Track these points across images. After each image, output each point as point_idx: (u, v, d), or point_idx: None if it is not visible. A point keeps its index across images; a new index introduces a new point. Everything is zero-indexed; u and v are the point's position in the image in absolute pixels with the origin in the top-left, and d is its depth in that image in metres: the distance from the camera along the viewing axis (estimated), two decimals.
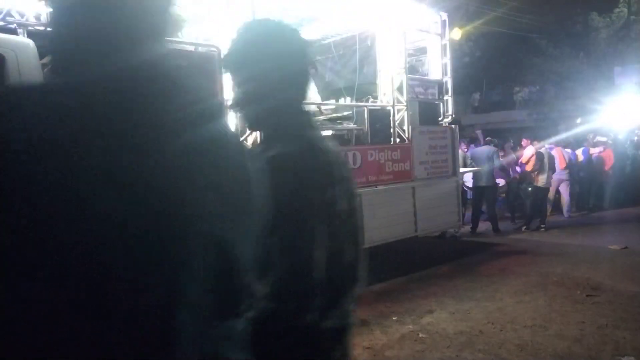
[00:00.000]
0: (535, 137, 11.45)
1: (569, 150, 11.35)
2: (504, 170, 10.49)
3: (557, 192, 10.85)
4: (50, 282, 0.70)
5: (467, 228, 9.40)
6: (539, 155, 9.52)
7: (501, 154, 10.68)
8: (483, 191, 9.44)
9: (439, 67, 7.48)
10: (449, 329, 4.55)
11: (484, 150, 9.64)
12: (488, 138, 10.57)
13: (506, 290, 5.65)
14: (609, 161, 11.82)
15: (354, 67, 7.10)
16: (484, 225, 9.70)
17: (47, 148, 0.70)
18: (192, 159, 0.79)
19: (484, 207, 9.84)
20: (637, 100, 15.95)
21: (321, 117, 6.80)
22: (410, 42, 7.43)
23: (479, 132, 9.98)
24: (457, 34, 7.81)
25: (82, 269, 0.70)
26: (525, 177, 10.21)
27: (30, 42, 4.64)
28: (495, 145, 9.98)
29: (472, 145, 12.50)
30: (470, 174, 9.93)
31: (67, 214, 0.70)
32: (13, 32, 5.12)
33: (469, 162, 10.48)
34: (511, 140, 13.28)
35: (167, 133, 0.78)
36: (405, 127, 6.72)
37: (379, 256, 7.09)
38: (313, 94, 6.71)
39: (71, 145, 0.71)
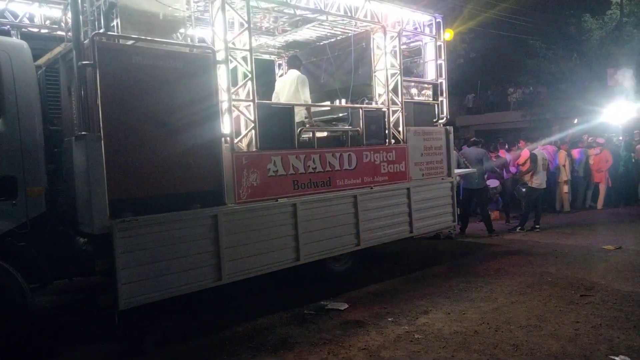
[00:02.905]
0: (530, 138, 11.51)
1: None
2: (495, 172, 10.49)
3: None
4: None
5: (457, 229, 9.43)
6: (532, 157, 9.55)
7: (492, 155, 10.69)
8: (474, 194, 9.43)
9: (433, 69, 7.51)
10: (445, 330, 4.56)
11: (473, 152, 9.54)
12: (473, 139, 10.45)
13: (501, 290, 5.67)
14: (606, 162, 11.87)
15: (349, 68, 7.10)
16: (479, 226, 9.74)
17: None
18: None
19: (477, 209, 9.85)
20: (629, 102, 16.03)
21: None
22: (405, 44, 7.46)
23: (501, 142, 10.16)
24: (448, 35, 7.82)
25: None
26: (520, 178, 10.24)
27: (24, 44, 4.62)
28: (482, 146, 9.97)
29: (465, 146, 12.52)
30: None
31: None
32: (6, 33, 5.10)
33: (462, 160, 10.49)
34: (501, 140, 13.25)
35: None
36: (401, 128, 6.73)
37: (375, 257, 7.11)
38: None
39: None
